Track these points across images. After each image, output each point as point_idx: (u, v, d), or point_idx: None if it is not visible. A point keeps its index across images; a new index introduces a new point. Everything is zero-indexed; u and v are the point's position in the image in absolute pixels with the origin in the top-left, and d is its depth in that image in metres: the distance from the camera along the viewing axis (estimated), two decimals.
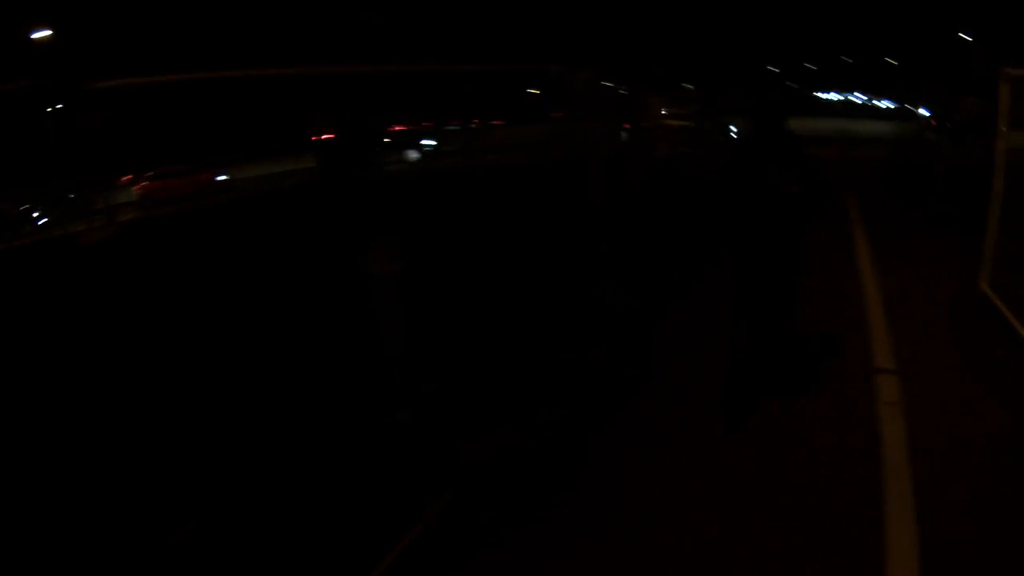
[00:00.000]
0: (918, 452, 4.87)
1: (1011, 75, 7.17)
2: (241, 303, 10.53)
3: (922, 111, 36.85)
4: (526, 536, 4.27)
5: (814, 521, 4.19)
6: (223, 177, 34.87)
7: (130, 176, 34.67)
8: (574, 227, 8.19)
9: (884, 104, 61.71)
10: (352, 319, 6.39)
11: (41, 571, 4.42)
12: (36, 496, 5.16)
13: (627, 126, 24.97)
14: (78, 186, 28.60)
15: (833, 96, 71.58)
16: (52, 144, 29.24)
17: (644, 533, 4.23)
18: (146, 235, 22.74)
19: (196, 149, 35.94)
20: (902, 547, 3.89)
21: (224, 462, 5.40)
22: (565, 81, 6.96)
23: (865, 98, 69.56)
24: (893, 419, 5.39)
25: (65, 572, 4.38)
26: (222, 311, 10.10)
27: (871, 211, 14.33)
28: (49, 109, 31.86)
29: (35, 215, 27.93)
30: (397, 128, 42.38)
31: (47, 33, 30.39)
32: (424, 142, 41.34)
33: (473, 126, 48.51)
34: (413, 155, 39.39)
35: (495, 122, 52.60)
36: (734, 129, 26.39)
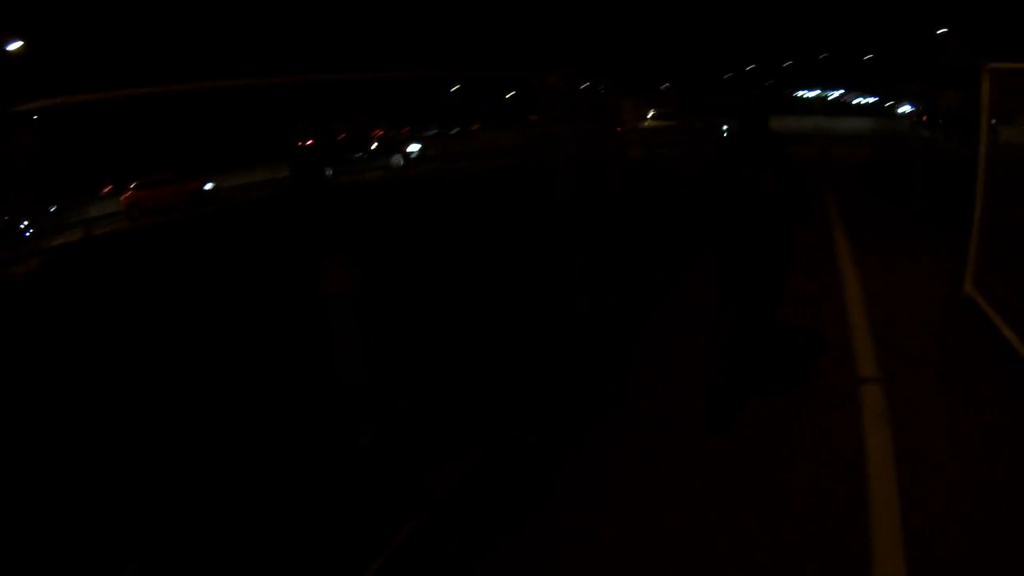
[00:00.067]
0: (904, 472, 4.62)
1: (993, 69, 6.94)
2: (187, 324, 10.07)
3: (906, 107, 36.85)
4: (499, 562, 4.06)
5: (800, 545, 3.97)
6: (210, 186, 34.71)
7: (110, 187, 35.44)
8: (546, 235, 7.89)
9: (863, 100, 61.96)
10: (308, 341, 6.03)
11: None
12: None
13: (619, 129, 25.00)
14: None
15: (812, 93, 71.78)
16: None
17: (618, 558, 4.00)
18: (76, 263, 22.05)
19: (132, 168, 35.50)
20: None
21: (165, 499, 5.08)
22: (536, 84, 6.73)
23: (843, 94, 69.84)
24: (878, 432, 5.14)
25: None
26: (165, 334, 9.64)
27: (851, 209, 14.09)
28: None
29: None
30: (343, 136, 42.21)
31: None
32: (410, 148, 41.11)
33: (435, 133, 48.06)
34: (398, 160, 39.09)
35: (461, 127, 52.61)
36: (726, 128, 26.28)
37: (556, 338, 7.14)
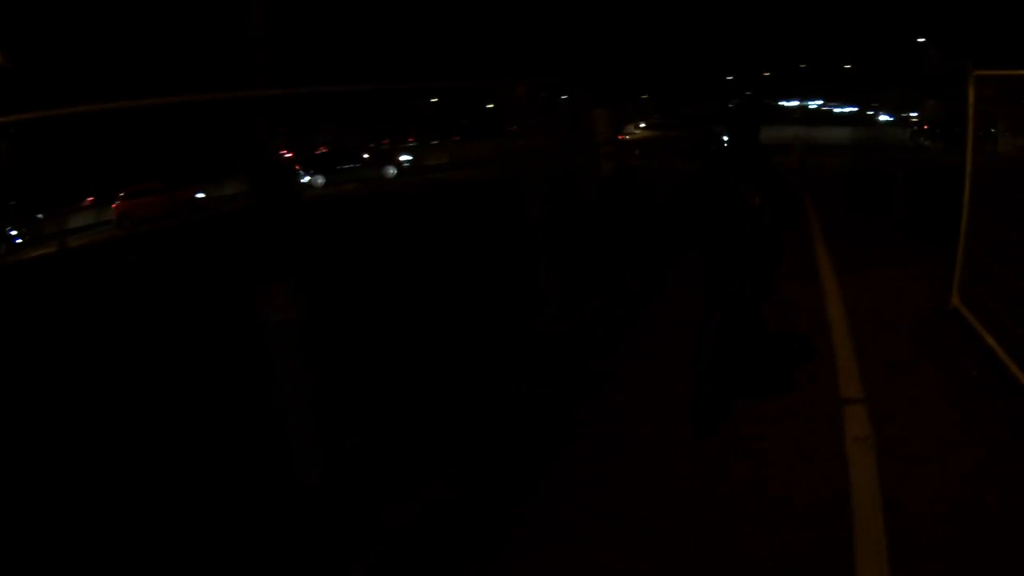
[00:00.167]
0: (890, 499, 4.33)
1: (979, 75, 6.66)
2: (131, 343, 9.63)
3: (884, 116, 36.79)
4: None
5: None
6: (201, 195, 35.01)
7: (91, 199, 36.24)
8: (515, 249, 7.56)
9: (843, 109, 61.99)
10: (252, 370, 5.62)
11: None
12: None
13: (621, 137, 24.96)
14: None
15: (792, 103, 71.82)
16: None
17: None
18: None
19: (115, 179, 35.50)
20: None
21: (89, 541, 4.69)
22: (502, 96, 6.47)
23: (823, 103, 69.91)
24: (863, 458, 4.85)
25: None
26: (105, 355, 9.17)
27: (833, 220, 13.74)
28: None
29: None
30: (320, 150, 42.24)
31: None
32: (403, 157, 40.92)
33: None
34: (391, 171, 39.02)
35: (441, 139, 52.39)
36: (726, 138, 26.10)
37: (523, 358, 6.79)
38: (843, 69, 61.82)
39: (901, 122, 35.63)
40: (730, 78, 62.96)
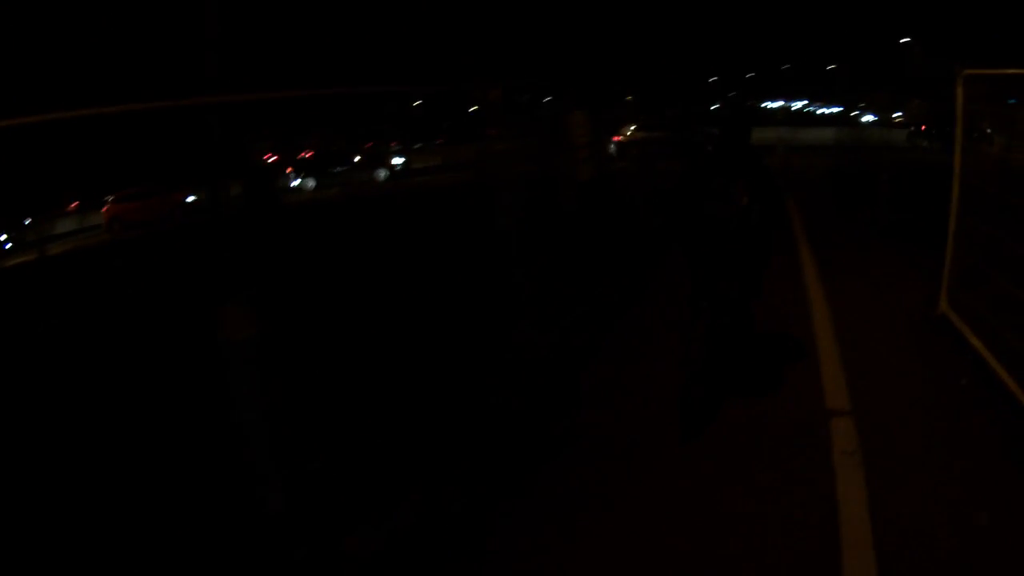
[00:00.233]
0: (879, 516, 4.16)
1: (967, 75, 6.47)
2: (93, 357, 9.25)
3: (869, 116, 36.75)
4: None
5: None
6: (192, 198, 34.54)
7: (76, 204, 35.98)
8: (490, 258, 7.32)
9: (827, 110, 62.13)
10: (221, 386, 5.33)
11: None
12: None
13: (617, 138, 24.98)
14: None
15: (775, 104, 71.97)
16: None
17: None
18: None
19: (96, 185, 35.42)
20: None
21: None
22: (476, 100, 6.27)
23: (807, 104, 70.08)
24: (850, 473, 4.66)
25: None
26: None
27: (817, 222, 13.53)
28: None
29: None
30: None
31: None
32: (395, 160, 40.66)
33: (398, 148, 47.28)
34: (383, 174, 38.75)
35: (424, 142, 52.15)
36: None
37: (500, 370, 6.56)
38: (826, 70, 61.91)
39: (886, 122, 35.55)
40: (713, 79, 63.05)
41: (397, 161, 40.48)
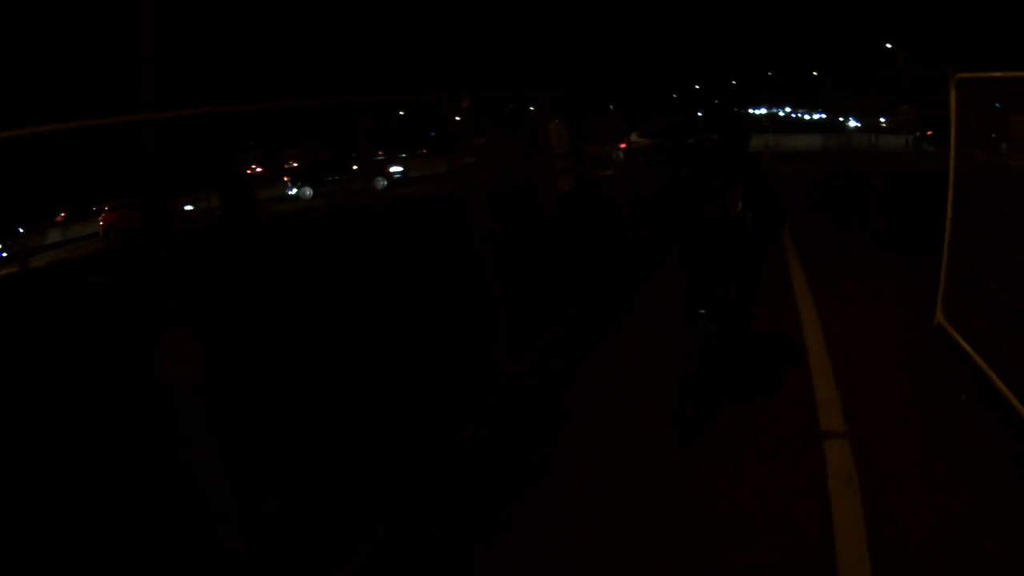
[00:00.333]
0: (877, 546, 3.88)
1: (961, 79, 6.18)
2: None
3: (853, 122, 36.54)
4: None
5: None
6: (190, 207, 34.58)
7: (64, 214, 37.00)
8: (461, 274, 7.00)
9: (813, 116, 62.10)
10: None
11: None
12: None
13: (623, 145, 25.14)
14: None
15: (761, 110, 72.08)
16: None
17: None
18: None
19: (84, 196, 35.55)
20: None
21: None
22: (444, 108, 5.97)
23: (792, 110, 70.20)
24: (847, 500, 4.36)
25: None
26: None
27: (806, 231, 13.11)
28: None
29: None
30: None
31: None
32: (394, 169, 40.39)
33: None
34: (381, 183, 38.34)
35: (408, 153, 51.91)
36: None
37: (470, 396, 6.23)
38: (811, 76, 61.98)
39: (872, 127, 35.32)
40: (697, 87, 63.02)
41: (395, 169, 40.14)
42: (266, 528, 4.45)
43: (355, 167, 39.39)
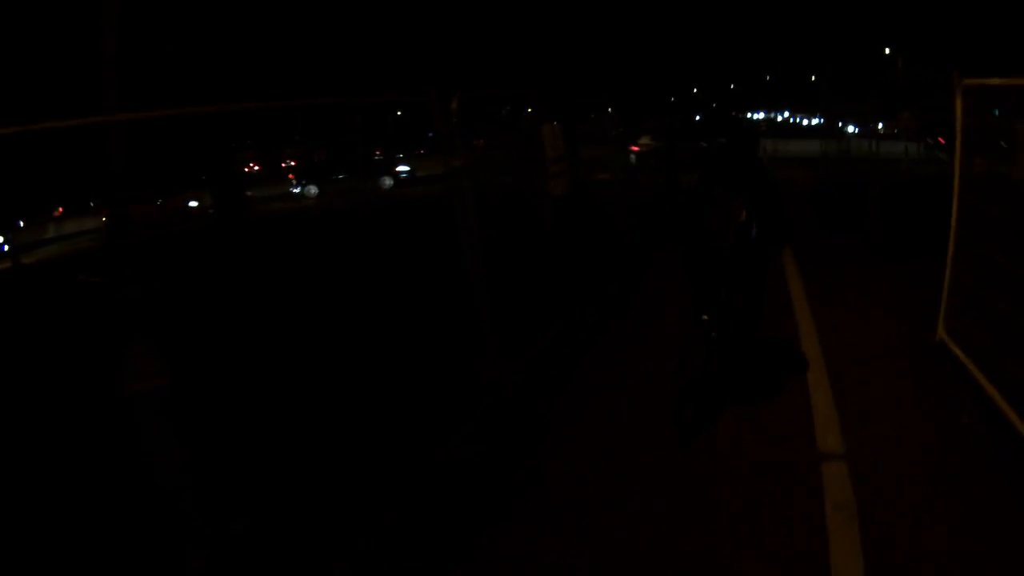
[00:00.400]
0: None
1: (967, 85, 5.95)
2: None
3: (851, 128, 36.32)
4: None
5: None
6: (194, 204, 34.77)
7: (60, 210, 37.21)
8: (450, 280, 6.76)
9: (812, 121, 61.97)
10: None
11: None
12: None
13: (635, 148, 25.23)
14: None
15: (759, 115, 71.98)
16: None
17: None
18: None
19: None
20: None
21: None
22: (433, 110, 5.74)
23: (790, 115, 70.07)
24: (844, 529, 4.15)
25: None
26: None
27: (804, 239, 12.84)
28: None
29: None
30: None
31: None
32: (400, 168, 40.18)
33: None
34: (388, 182, 38.30)
35: (406, 153, 51.68)
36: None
37: (454, 413, 5.99)
38: (809, 81, 61.93)
39: (872, 133, 35.10)
40: (695, 90, 62.89)
41: (402, 169, 39.90)
42: (235, 551, 4.22)
43: (362, 166, 39.38)
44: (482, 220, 6.27)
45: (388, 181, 38.36)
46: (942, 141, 30.19)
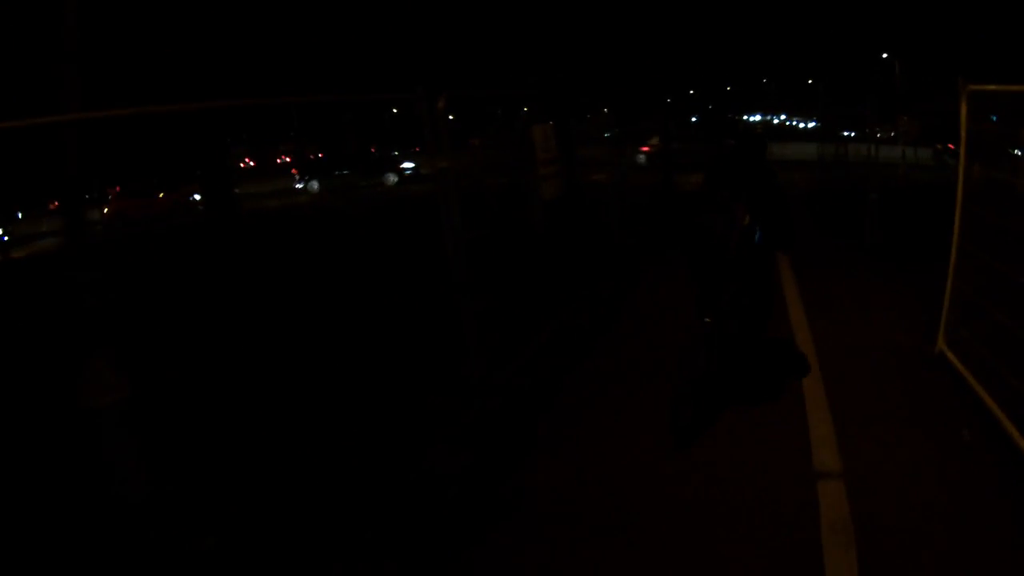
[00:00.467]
0: None
1: (973, 91, 5.75)
2: None
3: (847, 132, 36.18)
4: None
5: None
6: (198, 197, 34.25)
7: (55, 204, 35.37)
8: (438, 283, 6.55)
9: (808, 124, 61.84)
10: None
11: None
12: None
13: (645, 149, 25.37)
14: None
15: (755, 117, 71.88)
16: None
17: None
18: None
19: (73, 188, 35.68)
20: None
21: None
22: (419, 110, 5.56)
23: (786, 118, 69.98)
24: (841, 553, 3.97)
25: None
26: None
27: (799, 244, 12.58)
28: None
29: None
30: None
31: None
32: (405, 165, 39.99)
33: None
34: (392, 178, 38.18)
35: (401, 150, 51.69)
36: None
37: (436, 424, 5.76)
38: (806, 84, 61.80)
39: (870, 137, 34.99)
40: (692, 92, 62.70)
41: (407, 165, 39.69)
42: (201, 570, 4.01)
43: (363, 162, 39.32)
44: (476, 220, 6.12)
45: (392, 178, 38.21)
46: (952, 148, 30.07)
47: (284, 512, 4.63)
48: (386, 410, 6.13)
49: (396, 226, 18.85)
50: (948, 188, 6.43)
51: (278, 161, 69.28)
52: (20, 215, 35.85)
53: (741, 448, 5.29)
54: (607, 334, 8.37)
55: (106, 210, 33.99)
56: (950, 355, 6.31)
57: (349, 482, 4.94)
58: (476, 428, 5.71)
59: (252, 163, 70.30)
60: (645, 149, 25.51)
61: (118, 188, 35.44)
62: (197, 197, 34.25)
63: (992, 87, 5.50)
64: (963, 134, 5.91)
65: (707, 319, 5.49)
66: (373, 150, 47.72)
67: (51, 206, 38.44)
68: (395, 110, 57.01)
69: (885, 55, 44.50)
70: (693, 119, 48.52)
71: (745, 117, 69.98)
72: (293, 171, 41.35)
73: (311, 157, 48.39)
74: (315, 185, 38.28)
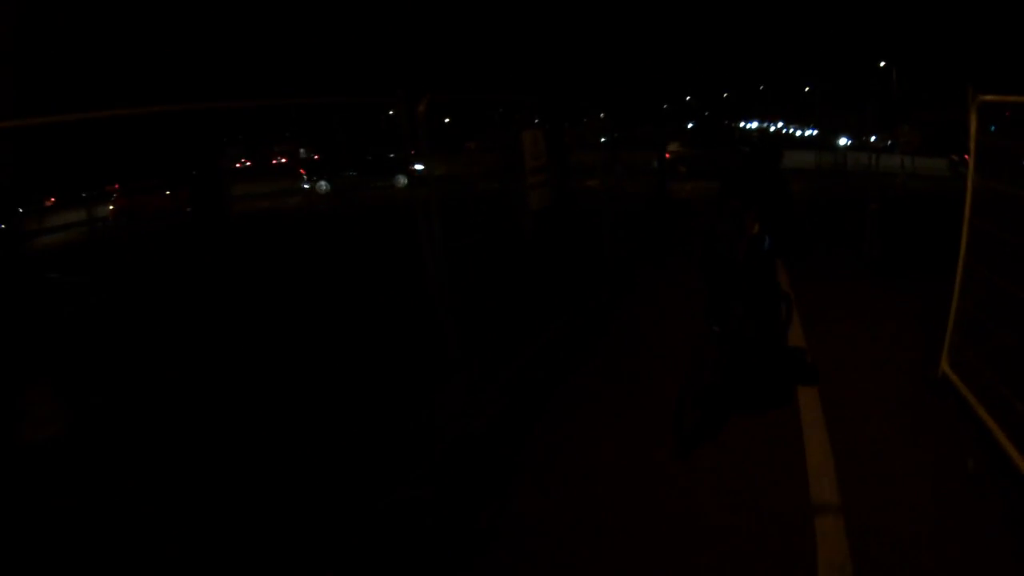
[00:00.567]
0: None
1: (984, 102, 5.46)
2: None
3: (843, 139, 36.07)
4: None
5: None
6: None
7: (52, 200, 37.07)
8: (418, 298, 6.24)
9: (806, 132, 61.76)
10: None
11: None
12: None
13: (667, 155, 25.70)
14: None
15: (752, 124, 71.78)
16: None
17: None
18: None
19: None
20: None
21: None
22: (399, 114, 5.29)
23: (783, 126, 69.89)
24: None
25: None
26: None
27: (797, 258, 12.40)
28: None
29: None
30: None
31: None
32: (417, 166, 39.80)
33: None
34: (402, 180, 37.84)
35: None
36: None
37: (411, 451, 5.43)
38: (803, 91, 61.80)
39: (866, 146, 34.88)
40: (688, 98, 62.67)
41: (419, 167, 39.50)
42: None
43: (375, 163, 39.20)
44: (463, 228, 5.86)
45: (403, 179, 38.05)
46: (967, 158, 29.98)
47: (239, 549, 4.33)
48: (356, 430, 5.81)
49: (396, 228, 18.50)
50: (947, 199, 6.20)
51: (273, 162, 69.09)
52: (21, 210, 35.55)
53: (733, 479, 5.00)
54: (594, 348, 8.07)
55: (111, 207, 34.00)
56: (954, 378, 6.01)
57: (316, 513, 4.63)
58: (451, 459, 5.37)
59: (249, 163, 70.08)
60: (665, 155, 26.32)
61: (117, 185, 35.19)
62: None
63: (1005, 98, 5.21)
64: (972, 146, 5.63)
65: (716, 328, 5.50)
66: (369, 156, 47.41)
67: (46, 203, 38.24)
68: (391, 112, 56.71)
69: (883, 63, 44.43)
70: (689, 125, 48.51)
71: (742, 124, 69.87)
72: (301, 171, 41.30)
73: (315, 157, 48.37)
74: (323, 185, 38.39)
